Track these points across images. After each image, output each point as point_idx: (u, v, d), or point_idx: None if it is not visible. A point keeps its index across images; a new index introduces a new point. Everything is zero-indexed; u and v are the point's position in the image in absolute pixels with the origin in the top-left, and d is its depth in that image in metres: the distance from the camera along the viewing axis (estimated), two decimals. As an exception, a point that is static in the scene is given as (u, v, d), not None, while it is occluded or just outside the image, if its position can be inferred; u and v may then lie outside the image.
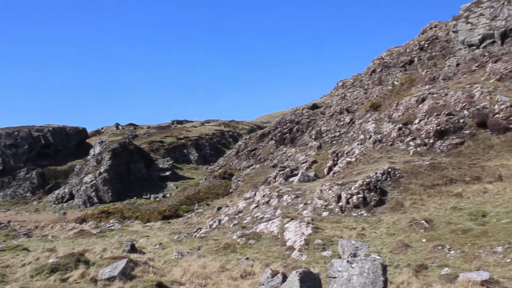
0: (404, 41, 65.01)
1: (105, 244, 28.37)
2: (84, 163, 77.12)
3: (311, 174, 38.12)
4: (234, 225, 29.64)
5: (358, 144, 37.11)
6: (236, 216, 31.28)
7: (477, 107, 34.34)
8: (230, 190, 49.88)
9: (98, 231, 35.11)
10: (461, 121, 34.00)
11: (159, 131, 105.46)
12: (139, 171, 77.19)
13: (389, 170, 30.02)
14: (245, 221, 29.67)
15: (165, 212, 43.23)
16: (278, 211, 29.28)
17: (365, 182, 28.38)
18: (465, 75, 41.48)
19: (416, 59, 51.48)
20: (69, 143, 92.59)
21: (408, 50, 54.34)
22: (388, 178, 29.53)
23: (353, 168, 33.71)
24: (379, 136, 36.33)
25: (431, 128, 33.96)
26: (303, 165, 43.00)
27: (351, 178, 30.52)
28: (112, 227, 37.54)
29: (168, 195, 66.44)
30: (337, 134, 48.00)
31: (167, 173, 79.49)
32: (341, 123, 49.01)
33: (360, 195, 27.73)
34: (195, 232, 31.08)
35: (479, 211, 24.43)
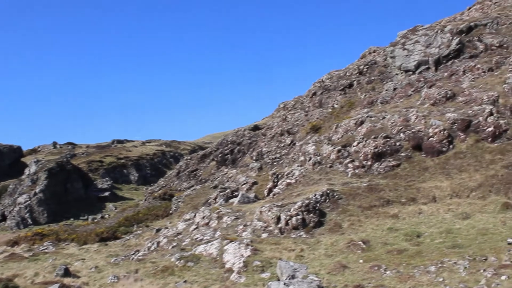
0: (344, 65, 66.73)
1: (38, 268, 27.28)
2: (19, 183, 74.32)
3: (252, 195, 38.15)
4: (173, 247, 29.19)
5: (298, 166, 37.46)
6: (175, 238, 30.83)
7: (412, 130, 35.38)
8: (170, 212, 49.21)
9: (31, 254, 33.76)
10: (398, 144, 34.92)
11: (99, 151, 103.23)
12: (76, 191, 75.06)
13: (328, 191, 30.41)
14: (184, 243, 29.29)
15: (102, 234, 42.06)
16: (218, 233, 29.06)
17: (304, 204, 28.61)
18: (402, 99, 42.76)
19: (355, 82, 52.73)
20: (3, 162, 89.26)
21: (348, 74, 55.61)
22: (327, 200, 29.89)
23: (293, 190, 33.94)
24: (318, 158, 36.81)
25: (369, 151, 34.71)
26: (243, 186, 42.98)
27: (291, 200, 30.71)
28: (46, 250, 36.19)
29: (106, 216, 64.88)
30: (278, 155, 48.35)
31: (106, 193, 77.71)
32: (282, 145, 49.43)
33: (299, 217, 27.91)
34: (133, 254, 30.39)
35: (414, 232, 25.06)
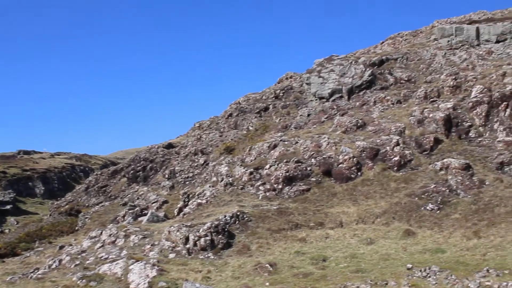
0: (261, 88, 67.57)
1: None
2: None
3: (161, 214, 37.51)
4: (76, 265, 27.97)
5: (210, 186, 37.29)
6: (79, 256, 29.58)
7: (323, 156, 36.22)
8: (76, 228, 47.39)
9: None
10: (309, 168, 35.60)
11: (2, 161, 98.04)
12: (-25, 203, 70.83)
13: (238, 213, 30.41)
14: (88, 262, 28.16)
15: (0, 250, 39.78)
16: (124, 252, 28.20)
17: (213, 225, 28.43)
18: (315, 125, 43.81)
19: (271, 106, 53.50)
20: None
21: (264, 97, 56.36)
22: (237, 222, 29.87)
23: (204, 210, 33.69)
24: (231, 179, 36.83)
25: (281, 174, 35.15)
26: (153, 204, 42.24)
27: (201, 220, 30.44)
28: None
29: (6, 230, 61.48)
30: (191, 175, 47.99)
31: (8, 206, 73.70)
32: (195, 164, 49.14)
33: (208, 238, 27.67)
34: (32, 272, 28.82)
35: (320, 256, 25.51)
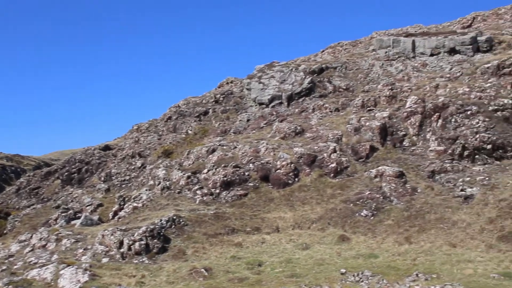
0: (201, 92, 67.20)
1: None
2: None
3: (95, 218, 36.62)
4: (2, 270, 26.83)
5: (146, 190, 36.70)
6: (6, 261, 28.43)
7: (261, 161, 36.36)
8: (5, 231, 45.52)
9: None
10: (247, 173, 35.64)
11: None
12: None
13: (175, 217, 30.07)
14: (16, 267, 27.09)
15: None
16: (55, 256, 27.32)
17: (149, 229, 27.99)
18: (254, 131, 43.95)
19: (211, 110, 53.32)
20: None
21: (204, 101, 56.12)
22: (173, 226, 29.51)
23: (139, 214, 33.11)
24: (168, 183, 36.38)
25: (218, 179, 35.03)
26: (88, 208, 41.18)
27: (136, 224, 29.89)
28: None
29: None
30: (127, 178, 47.12)
31: None
32: (132, 167, 48.30)
33: (143, 242, 27.18)
34: (-46, 277, 27.46)
35: (256, 261, 25.51)
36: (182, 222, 30.06)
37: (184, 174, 36.59)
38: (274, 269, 24.41)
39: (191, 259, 26.55)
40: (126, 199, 36.90)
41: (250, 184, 35.17)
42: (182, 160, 39.99)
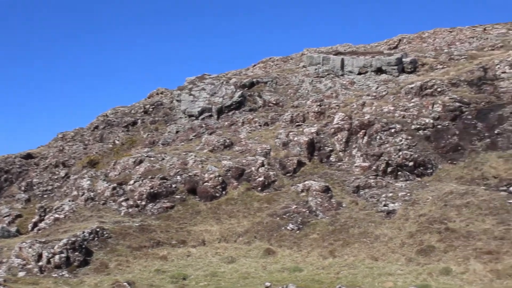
0: (131, 102, 66.04)
1: None
2: None
3: (13, 229, 35.07)
4: None
5: (69, 201, 35.47)
6: None
7: (189, 174, 36.07)
8: None
9: None
10: (174, 186, 35.24)
11: None
12: None
13: (98, 229, 29.24)
14: None
15: None
16: (-34, 269, 25.90)
17: (70, 241, 27.07)
18: (183, 143, 43.62)
19: (139, 121, 52.50)
20: None
21: (133, 111, 55.16)
22: (96, 238, 28.69)
23: (61, 226, 31.98)
24: (92, 194, 35.38)
25: (145, 190, 34.43)
26: (5, 218, 39.29)
27: (57, 236, 28.85)
28: None
29: None
30: (50, 188, 45.49)
31: None
32: (56, 177, 46.68)
33: (63, 255, 26.26)
34: None
35: (181, 274, 25.19)
36: (106, 235, 29.28)
37: (109, 185, 35.72)
38: (199, 283, 24.19)
39: (114, 273, 25.88)
40: (47, 210, 35.52)
41: (177, 196, 34.77)
42: (108, 171, 39.06)
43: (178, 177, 35.95)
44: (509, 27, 61.57)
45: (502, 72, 42.31)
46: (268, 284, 23.06)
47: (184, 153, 39.32)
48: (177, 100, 51.17)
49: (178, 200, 34.49)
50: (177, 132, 46.34)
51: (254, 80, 52.69)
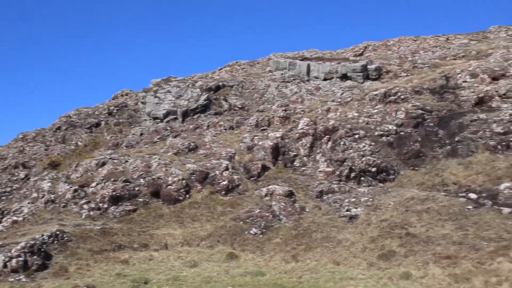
0: (95, 103, 65.07)
1: None
2: None
3: (-31, 231, 34.01)
4: None
5: (29, 203, 34.72)
6: None
7: (153, 177, 35.73)
8: None
9: None
10: (137, 188, 34.88)
11: None
12: None
13: (58, 233, 28.69)
14: None
15: None
16: None
17: (28, 245, 26.47)
18: (147, 145, 43.22)
19: (103, 122, 51.81)
20: None
21: (97, 112, 54.42)
22: (56, 241, 28.14)
23: (19, 229, 31.22)
24: (53, 196, 34.71)
25: (107, 193, 33.98)
26: (-39, 220, 38.22)
27: (15, 239, 28.16)
28: None
29: None
30: (9, 189, 44.41)
31: None
32: (15, 178, 45.60)
33: (20, 258, 25.65)
34: None
35: (142, 278, 24.87)
36: (66, 238, 28.74)
37: (71, 187, 35.13)
38: (161, 287, 23.93)
39: (74, 277, 25.40)
40: (5, 212, 34.72)
41: (140, 199, 34.40)
42: (70, 173, 38.41)
43: (142, 180, 35.57)
44: (471, 37, 63.08)
45: (463, 81, 43.31)
46: (230, 288, 22.99)
47: (148, 156, 38.96)
48: (142, 102, 50.70)
49: (141, 203, 34.12)
50: (141, 134, 45.88)
51: (220, 83, 52.59)
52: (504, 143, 34.88)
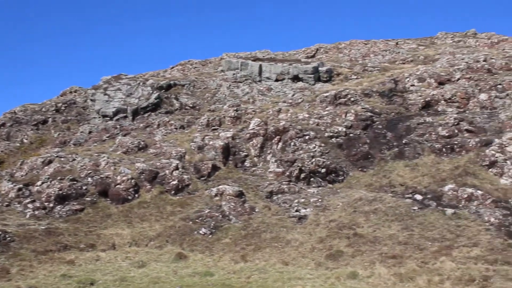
0: (42, 100, 63.34)
1: None
2: None
3: None
4: None
5: (-30, 201, 33.55)
6: None
7: (101, 176, 35.11)
8: None
9: None
10: (84, 188, 34.21)
11: None
12: None
13: (0, 233, 27.80)
14: None
15: None
16: None
17: (-32, 245, 25.54)
18: (96, 144, 42.40)
19: (50, 120, 50.46)
20: None
21: (44, 109, 52.97)
22: (-3, 242, 27.26)
23: (-41, 228, 30.11)
24: (-5, 195, 33.66)
25: (53, 192, 33.19)
26: None
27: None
28: None
29: None
30: (-51, 188, 42.78)
31: None
32: (-44, 176, 44.00)
33: (-40, 259, 24.71)
34: None
35: (88, 279, 24.37)
36: (9, 238, 27.90)
37: (15, 186, 34.13)
38: (107, 288, 23.54)
39: (16, 278, 24.61)
40: None
41: (87, 198, 33.73)
42: (14, 171, 37.33)
43: (89, 179, 34.89)
44: (419, 42, 64.72)
45: (411, 85, 44.42)
46: (178, 288, 22.82)
47: (96, 154, 38.22)
48: (91, 100, 49.70)
49: (88, 203, 33.45)
50: (90, 132, 44.95)
51: (172, 82, 52.13)
52: (448, 146, 35.98)
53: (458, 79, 44.01)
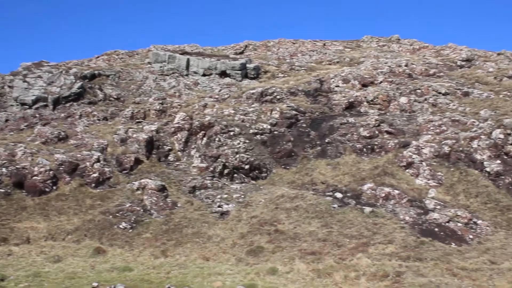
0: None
1: None
2: None
3: None
4: None
5: None
6: None
7: (17, 166, 33.63)
8: None
9: None
10: (-2, 178, 32.67)
11: None
12: None
13: None
14: None
15: None
16: None
17: None
18: (12, 132, 40.64)
19: (-36, 106, 47.92)
20: None
21: (-43, 95, 50.25)
22: None
23: None
24: None
25: (-37, 182, 31.48)
26: None
27: None
28: None
29: None
30: None
31: None
32: None
33: None
34: None
35: (-1, 275, 23.38)
36: None
37: None
38: (19, 284, 22.63)
39: None
40: None
41: (1, 190, 32.21)
42: None
43: (4, 169, 33.31)
44: (346, 45, 66.37)
45: (336, 86, 45.45)
46: (95, 284, 22.28)
47: (12, 144, 36.56)
48: (9, 86, 47.51)
49: (1, 194, 31.95)
50: (6, 120, 42.97)
51: (96, 72, 50.79)
52: (369, 146, 37.11)
53: (381, 82, 45.51)
